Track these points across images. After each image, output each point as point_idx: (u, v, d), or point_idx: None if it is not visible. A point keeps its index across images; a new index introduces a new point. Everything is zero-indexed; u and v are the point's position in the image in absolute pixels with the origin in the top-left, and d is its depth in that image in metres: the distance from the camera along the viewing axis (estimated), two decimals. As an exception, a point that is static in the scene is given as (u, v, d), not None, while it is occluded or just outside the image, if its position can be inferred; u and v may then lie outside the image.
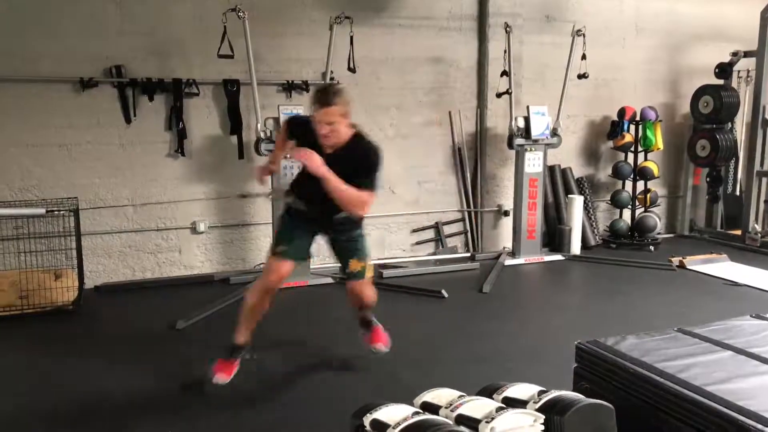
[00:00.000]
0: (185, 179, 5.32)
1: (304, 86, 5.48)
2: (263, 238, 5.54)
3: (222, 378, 3.23)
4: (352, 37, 5.04)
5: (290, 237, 3.30)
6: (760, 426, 2.02)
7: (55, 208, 4.56)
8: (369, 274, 3.46)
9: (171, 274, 5.37)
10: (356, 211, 3.16)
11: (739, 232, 6.65)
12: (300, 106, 5.08)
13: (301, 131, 3.25)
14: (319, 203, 3.16)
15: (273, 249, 3.34)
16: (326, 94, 3.01)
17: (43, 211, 4.49)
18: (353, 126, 3.19)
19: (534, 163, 5.99)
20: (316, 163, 2.97)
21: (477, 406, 2.15)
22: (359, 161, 3.11)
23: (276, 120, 4.99)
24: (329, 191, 3.02)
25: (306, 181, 3.18)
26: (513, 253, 6.13)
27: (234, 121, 5.30)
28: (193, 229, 5.39)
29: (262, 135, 4.97)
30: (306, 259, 3.76)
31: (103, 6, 4.91)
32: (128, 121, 5.07)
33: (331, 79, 5.39)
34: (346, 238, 3.34)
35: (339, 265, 3.53)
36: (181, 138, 5.17)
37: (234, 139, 5.34)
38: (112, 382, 3.42)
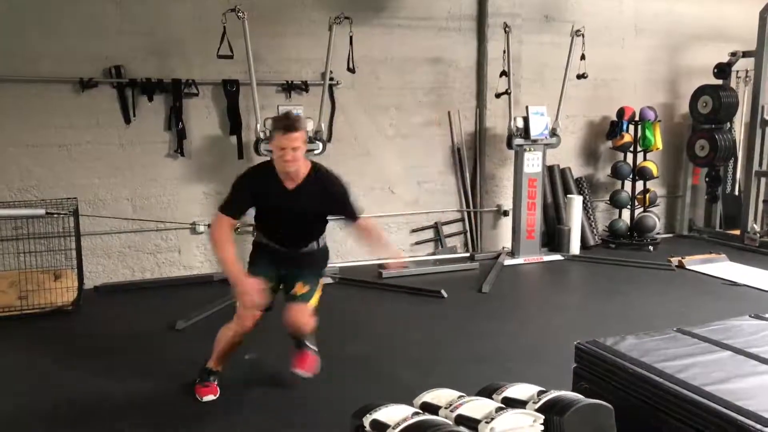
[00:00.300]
0: (185, 179, 5.32)
1: (303, 86, 5.49)
2: (263, 238, 5.54)
3: (210, 396, 3.21)
4: (351, 37, 5.05)
5: (266, 276, 3.17)
6: (759, 426, 2.02)
7: (55, 210, 4.56)
8: (314, 303, 3.24)
9: (170, 274, 5.37)
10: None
11: (738, 232, 6.66)
12: (300, 106, 5.08)
13: (261, 181, 3.14)
14: (293, 244, 3.21)
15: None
16: (289, 120, 3.04)
17: (42, 211, 4.49)
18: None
19: (533, 163, 5.99)
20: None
21: (476, 407, 2.16)
22: (330, 192, 3.17)
23: (275, 120, 4.99)
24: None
25: (280, 224, 3.19)
26: (512, 253, 6.13)
27: (233, 122, 5.30)
28: (193, 230, 5.39)
29: (261, 135, 4.97)
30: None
31: (103, 6, 4.91)
32: (128, 121, 5.07)
33: (331, 79, 5.40)
34: (309, 271, 3.26)
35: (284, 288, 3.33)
36: (181, 138, 5.18)
37: (233, 139, 5.34)
38: (111, 382, 3.42)
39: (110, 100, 5.02)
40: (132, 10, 4.98)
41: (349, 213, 3.23)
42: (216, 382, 3.27)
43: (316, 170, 3.19)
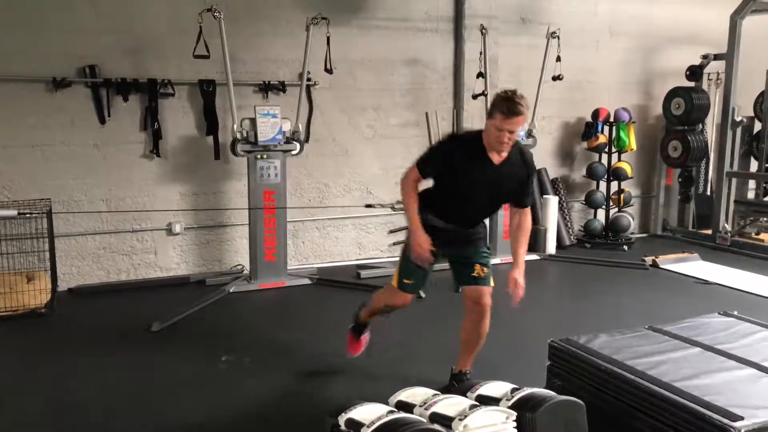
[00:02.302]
0: (160, 180, 5.28)
1: (281, 87, 5.47)
2: (239, 239, 5.52)
3: (355, 352, 3.45)
4: (329, 38, 5.04)
5: (416, 272, 3.12)
6: (726, 420, 2.07)
7: (28, 210, 4.50)
8: (493, 283, 3.20)
9: (146, 275, 5.32)
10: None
11: (710, 232, 6.78)
12: (277, 106, 5.07)
13: (466, 150, 2.96)
14: (471, 223, 3.11)
15: (398, 280, 3.16)
16: (513, 103, 2.82)
17: (14, 212, 4.42)
18: None
19: (510, 163, 6.03)
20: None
21: (451, 404, 2.18)
22: (528, 165, 3.06)
23: (252, 120, 4.98)
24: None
25: (469, 200, 3.03)
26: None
27: (210, 122, 5.27)
28: (169, 231, 5.35)
29: (238, 136, 4.95)
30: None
31: (77, 4, 4.85)
32: (102, 121, 5.02)
33: (309, 79, 5.39)
34: (482, 251, 3.18)
35: (456, 276, 3.26)
36: (157, 139, 5.14)
37: (210, 139, 5.31)
38: (85, 385, 3.39)
39: (84, 99, 4.96)
40: (107, 8, 4.93)
41: (525, 195, 3.09)
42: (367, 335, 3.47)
43: (515, 144, 3.02)
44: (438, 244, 3.00)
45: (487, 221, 3.33)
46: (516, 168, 3.00)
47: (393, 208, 5.27)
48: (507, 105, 2.81)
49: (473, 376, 3.17)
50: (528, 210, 3.15)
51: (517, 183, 3.04)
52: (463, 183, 2.96)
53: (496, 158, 2.95)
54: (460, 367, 3.25)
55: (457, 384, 3.09)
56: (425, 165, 3.02)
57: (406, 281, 3.14)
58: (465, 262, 3.13)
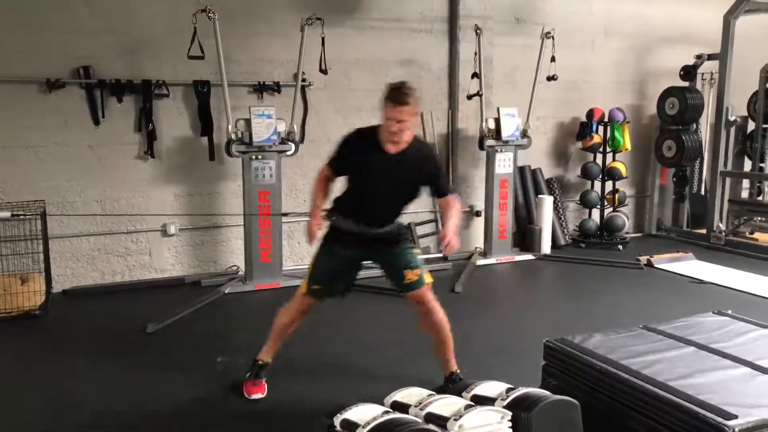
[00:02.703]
0: (155, 181, 5.27)
1: (275, 87, 5.47)
2: (234, 240, 5.51)
3: (258, 394, 3.23)
4: (323, 39, 5.04)
5: (328, 277, 3.18)
6: (720, 419, 2.08)
7: (22, 212, 4.48)
8: (429, 280, 3.20)
9: (141, 277, 5.31)
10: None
11: (704, 231, 6.80)
12: (272, 107, 5.06)
13: (363, 143, 3.07)
14: (377, 221, 3.10)
15: (307, 285, 3.19)
16: (400, 93, 2.92)
17: (8, 214, 4.41)
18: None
19: (504, 164, 6.06)
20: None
21: (446, 404, 2.18)
22: (428, 158, 3.16)
23: (247, 121, 4.97)
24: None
25: (365, 199, 3.07)
26: (485, 253, 6.18)
27: (205, 123, 5.26)
28: (164, 232, 5.34)
29: (233, 136, 4.94)
30: (344, 294, 3.36)
31: (72, 5, 4.84)
32: (97, 122, 5.00)
33: (303, 80, 5.39)
34: (398, 249, 3.17)
35: (392, 282, 3.27)
36: (151, 140, 5.13)
37: (205, 140, 5.30)
38: (80, 387, 3.38)
39: (79, 100, 4.95)
40: (101, 9, 4.92)
41: (441, 185, 3.18)
42: (265, 379, 3.27)
43: (417, 139, 3.13)
44: (348, 246, 3.10)
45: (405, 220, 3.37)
46: (419, 162, 3.08)
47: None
48: (394, 95, 2.93)
49: (467, 375, 3.17)
50: (454, 198, 3.20)
51: (425, 175, 3.11)
52: (363, 175, 3.06)
53: (392, 149, 3.02)
54: (447, 369, 3.28)
55: (451, 386, 3.06)
56: (332, 159, 3.13)
57: (315, 287, 3.18)
58: (394, 269, 3.17)
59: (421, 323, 3.26)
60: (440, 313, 3.18)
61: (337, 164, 3.13)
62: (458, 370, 3.26)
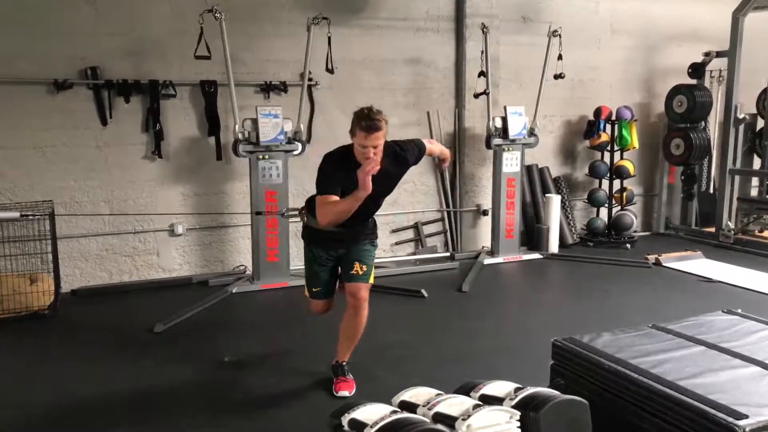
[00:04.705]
0: (162, 181, 5.28)
1: (282, 87, 5.47)
2: (242, 239, 5.52)
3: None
4: (329, 38, 5.04)
5: (320, 280, 3.35)
6: (730, 419, 2.06)
7: (30, 212, 4.50)
8: (371, 280, 3.31)
9: (149, 277, 5.33)
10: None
11: (713, 230, 6.76)
12: (278, 107, 5.07)
13: (344, 169, 3.04)
14: (356, 223, 3.16)
15: (307, 290, 3.42)
16: (371, 120, 2.91)
17: (17, 214, 4.43)
18: None
19: (512, 162, 6.04)
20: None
21: (454, 404, 2.17)
22: (404, 157, 3.29)
23: (254, 121, 4.97)
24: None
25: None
26: (492, 252, 6.17)
27: (212, 123, 5.27)
28: (171, 232, 5.35)
29: (240, 136, 4.95)
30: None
31: (79, 7, 4.86)
32: (104, 123, 5.02)
33: (310, 80, 5.39)
34: (362, 244, 3.27)
35: (342, 273, 3.34)
36: (158, 140, 5.14)
37: (212, 140, 5.31)
38: (89, 386, 3.39)
39: (86, 101, 4.97)
40: (108, 10, 4.94)
41: (419, 155, 3.40)
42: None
43: (388, 145, 3.14)
44: (329, 247, 3.24)
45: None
46: (401, 164, 3.25)
47: (283, 215, 4.99)
48: (365, 122, 2.92)
49: (474, 375, 3.16)
50: (428, 147, 3.56)
51: (411, 164, 3.35)
52: (348, 194, 3.00)
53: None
54: (339, 358, 3.38)
55: (335, 375, 3.33)
56: (328, 186, 3.04)
57: (314, 289, 3.37)
58: (349, 258, 3.26)
59: (345, 316, 3.32)
60: (365, 315, 3.25)
61: (335, 187, 3.03)
62: (347, 362, 3.39)
